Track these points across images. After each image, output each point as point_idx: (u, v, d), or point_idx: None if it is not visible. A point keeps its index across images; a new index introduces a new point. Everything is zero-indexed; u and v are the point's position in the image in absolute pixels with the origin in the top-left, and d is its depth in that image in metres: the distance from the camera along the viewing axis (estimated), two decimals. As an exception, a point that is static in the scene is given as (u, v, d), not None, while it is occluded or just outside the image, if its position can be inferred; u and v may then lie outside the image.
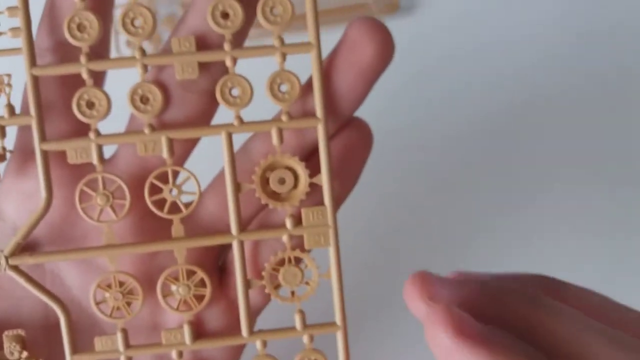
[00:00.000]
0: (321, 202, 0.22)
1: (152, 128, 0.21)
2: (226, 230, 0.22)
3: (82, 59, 0.21)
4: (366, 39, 0.21)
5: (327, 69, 0.21)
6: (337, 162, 0.22)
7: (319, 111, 0.21)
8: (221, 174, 0.23)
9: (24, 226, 0.21)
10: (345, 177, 0.23)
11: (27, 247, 0.22)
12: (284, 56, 0.21)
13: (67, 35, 0.20)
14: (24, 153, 0.22)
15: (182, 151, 0.22)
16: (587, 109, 0.43)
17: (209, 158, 0.24)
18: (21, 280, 0.21)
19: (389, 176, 0.41)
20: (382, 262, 0.42)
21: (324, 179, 0.22)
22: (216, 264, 0.24)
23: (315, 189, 0.22)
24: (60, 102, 0.22)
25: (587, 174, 0.43)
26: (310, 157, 0.22)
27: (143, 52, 0.21)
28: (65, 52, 0.21)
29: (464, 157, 0.43)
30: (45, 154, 0.21)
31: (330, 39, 0.23)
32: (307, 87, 0.22)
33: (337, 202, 0.23)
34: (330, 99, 0.22)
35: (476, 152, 0.43)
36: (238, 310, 0.22)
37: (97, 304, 0.22)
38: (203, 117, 0.22)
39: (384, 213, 0.42)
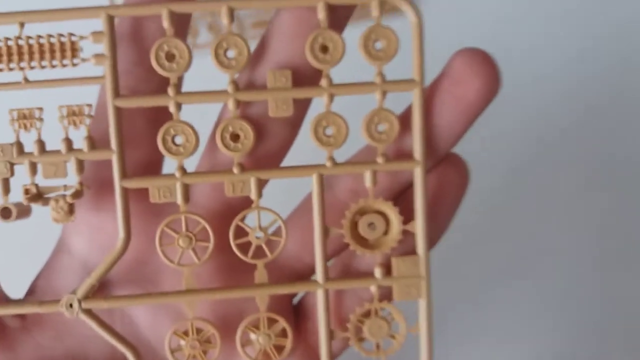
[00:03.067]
0: (413, 250, 0.21)
1: (242, 167, 0.20)
2: (305, 270, 0.21)
3: (170, 91, 0.19)
4: (471, 72, 0.20)
5: (427, 103, 0.20)
6: (432, 205, 0.21)
7: (418, 153, 0.20)
8: (301, 210, 0.22)
9: (99, 268, 0.20)
10: (439, 221, 0.21)
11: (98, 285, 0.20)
12: (384, 94, 0.20)
13: (154, 65, 0.19)
14: (97, 183, 0.20)
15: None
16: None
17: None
18: (93, 325, 0.20)
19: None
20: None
21: (418, 226, 0.20)
22: (291, 305, 0.22)
23: (406, 235, 0.20)
24: (136, 130, 0.20)
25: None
26: (399, 198, 0.21)
27: (236, 86, 0.19)
28: (140, 76, 0.20)
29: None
30: (125, 192, 0.19)
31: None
32: (404, 123, 0.20)
33: (428, 247, 0.21)
34: (428, 135, 0.20)
35: (477, 153, 0.42)
36: (317, 358, 0.21)
37: (173, 352, 0.20)
38: (284, 149, 0.21)
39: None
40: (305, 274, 0.22)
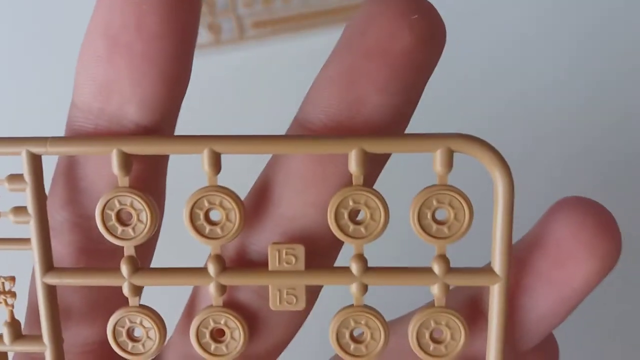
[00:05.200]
0: None
1: (226, 379, 0.13)
2: None
3: (125, 268, 0.13)
4: (584, 250, 0.12)
5: (511, 293, 0.13)
6: None
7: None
8: None
9: None
10: None
11: None
12: (446, 288, 0.13)
13: (101, 228, 0.13)
14: None
15: None
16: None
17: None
18: None
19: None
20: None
21: None
22: None
23: None
24: (82, 305, 0.14)
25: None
26: None
27: (222, 263, 0.13)
28: (88, 230, 0.14)
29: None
30: (63, 396, 0.14)
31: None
32: (471, 317, 0.13)
33: None
34: (509, 333, 0.13)
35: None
36: None
37: None
38: (284, 344, 0.15)
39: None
40: None
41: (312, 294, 0.14)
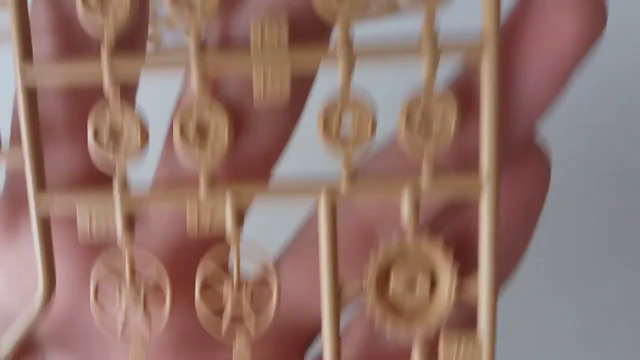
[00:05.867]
0: (469, 321, 0.13)
1: (212, 181, 0.13)
2: (317, 325, 0.14)
3: (103, 52, 0.13)
4: (566, 10, 0.12)
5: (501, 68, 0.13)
6: (502, 227, 0.13)
7: (487, 164, 0.12)
8: (309, 234, 0.14)
9: (12, 333, 0.13)
10: (513, 250, 0.14)
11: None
12: (436, 63, 0.12)
13: (80, 13, 0.12)
14: (13, 204, 0.14)
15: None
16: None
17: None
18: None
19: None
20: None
21: (483, 286, 0.13)
22: None
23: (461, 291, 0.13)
24: (66, 120, 0.14)
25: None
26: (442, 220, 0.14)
27: (203, 48, 0.13)
28: (73, 38, 0.13)
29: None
30: (44, 224, 0.13)
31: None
32: (463, 104, 0.13)
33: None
34: (503, 107, 0.13)
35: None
36: None
37: None
38: (276, 150, 0.14)
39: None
40: (316, 330, 0.15)
41: (299, 97, 0.13)
